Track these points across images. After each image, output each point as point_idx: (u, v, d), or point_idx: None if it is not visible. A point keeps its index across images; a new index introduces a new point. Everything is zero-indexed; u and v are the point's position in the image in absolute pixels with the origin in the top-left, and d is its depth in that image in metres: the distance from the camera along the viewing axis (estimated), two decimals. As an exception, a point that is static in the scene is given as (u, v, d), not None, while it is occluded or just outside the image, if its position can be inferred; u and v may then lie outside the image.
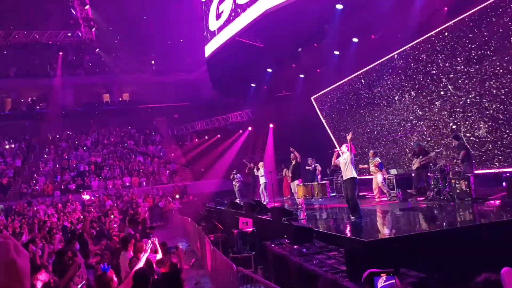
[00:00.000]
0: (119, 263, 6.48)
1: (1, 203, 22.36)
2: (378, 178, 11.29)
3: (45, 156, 29.03)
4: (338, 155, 9.00)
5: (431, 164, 11.13)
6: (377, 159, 11.74)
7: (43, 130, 30.87)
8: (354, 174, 8.59)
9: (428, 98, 13.97)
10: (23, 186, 25.01)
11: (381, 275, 1.96)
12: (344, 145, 8.96)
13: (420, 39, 13.86)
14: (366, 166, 12.96)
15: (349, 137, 8.72)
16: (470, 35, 11.86)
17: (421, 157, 11.33)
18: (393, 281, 1.93)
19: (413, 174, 11.67)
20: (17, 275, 0.85)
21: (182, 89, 33.21)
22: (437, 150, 12.40)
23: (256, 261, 9.13)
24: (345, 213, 9.69)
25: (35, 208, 20.69)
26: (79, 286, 5.48)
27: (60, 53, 30.67)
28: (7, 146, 29.83)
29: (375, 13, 14.14)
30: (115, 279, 4.35)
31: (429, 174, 10.98)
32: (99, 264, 5.74)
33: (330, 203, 12.82)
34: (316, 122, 21.13)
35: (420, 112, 14.46)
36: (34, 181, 25.87)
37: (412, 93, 14.70)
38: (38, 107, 32.90)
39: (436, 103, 13.65)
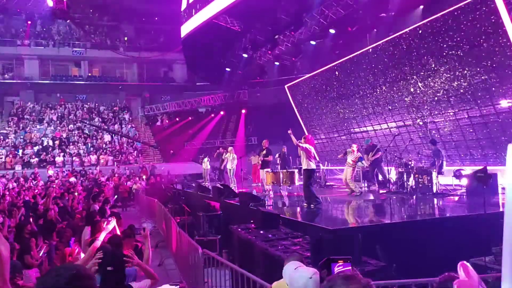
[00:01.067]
0: (81, 239, 6.39)
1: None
2: (348, 173, 11.23)
3: (7, 128, 27.96)
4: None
5: (396, 158, 11.48)
6: (359, 154, 11.61)
7: (6, 100, 29.66)
8: (311, 166, 9.00)
9: (399, 93, 14.29)
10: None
11: (338, 261, 2.04)
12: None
13: (395, 35, 14.09)
14: (342, 156, 12.74)
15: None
16: (443, 34, 12.15)
17: (371, 153, 11.93)
18: (349, 267, 2.01)
19: (368, 169, 12.38)
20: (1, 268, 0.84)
21: (155, 68, 32.60)
22: (405, 144, 12.78)
23: (221, 245, 9.20)
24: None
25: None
26: (40, 254, 5.39)
27: (29, 22, 29.39)
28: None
29: (354, 6, 14.27)
30: (76, 251, 4.29)
31: (395, 168, 11.34)
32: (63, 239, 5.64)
33: (298, 191, 13.00)
34: (288, 110, 21.25)
35: (390, 107, 14.79)
36: (-5, 154, 24.94)
37: (384, 88, 14.99)
38: (4, 76, 31.53)
39: (406, 99, 13.99)
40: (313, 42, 18.13)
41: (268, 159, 13.53)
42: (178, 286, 2.69)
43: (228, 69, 23.83)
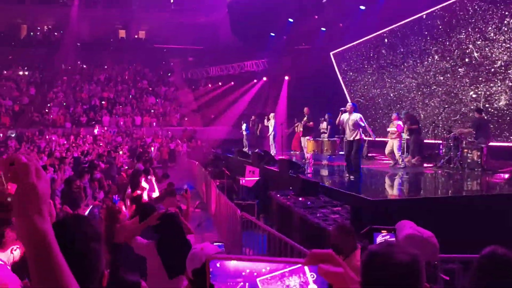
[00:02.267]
0: (125, 197, 6.63)
1: (12, 130, 22.74)
2: (394, 144, 10.80)
3: (58, 87, 29.10)
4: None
5: (444, 132, 10.98)
6: (398, 123, 11.16)
7: (57, 60, 30.69)
8: (363, 137, 9.07)
9: (452, 63, 13.53)
10: (35, 114, 25.29)
11: (382, 231, 1.94)
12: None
13: (452, 0, 13.20)
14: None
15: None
16: (507, 1, 11.26)
17: (408, 123, 11.29)
18: (393, 239, 1.91)
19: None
20: (36, 200, 0.83)
21: (200, 31, 32.46)
22: (453, 118, 12.19)
23: (259, 209, 9.30)
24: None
25: (47, 137, 21.04)
26: (87, 212, 5.64)
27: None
28: (21, 73, 29.86)
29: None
30: (123, 210, 4.43)
31: (442, 141, 10.86)
32: (109, 195, 5.86)
33: (339, 160, 12.83)
34: (332, 78, 20.72)
35: (441, 77, 14.07)
36: (46, 111, 26.11)
37: (436, 57, 14.23)
38: (53, 35, 32.53)
39: (460, 69, 13.23)
40: (362, 7, 17.32)
41: (309, 125, 13.35)
42: (222, 244, 2.71)
43: (272, 34, 23.38)
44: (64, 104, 27.18)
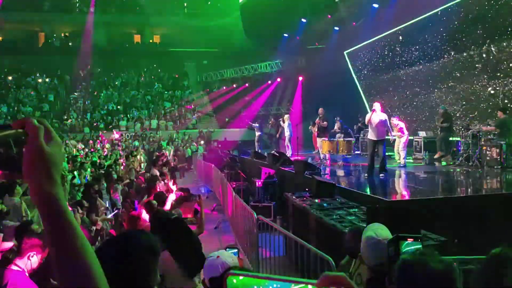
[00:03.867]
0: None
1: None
2: (401, 142, 11.12)
3: (76, 93, 29.62)
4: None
5: (462, 129, 10.81)
6: (401, 124, 11.40)
7: (74, 66, 31.25)
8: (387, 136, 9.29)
9: (469, 60, 13.31)
10: (55, 121, 25.80)
11: (408, 239, 1.92)
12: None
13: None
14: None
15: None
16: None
17: (441, 120, 11.19)
18: (420, 246, 1.89)
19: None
20: (43, 162, 0.83)
21: (214, 34, 32.66)
22: (471, 115, 11.99)
23: (275, 211, 9.31)
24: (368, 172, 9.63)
25: (66, 142, 21.43)
26: (110, 216, 5.74)
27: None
28: (40, 80, 30.49)
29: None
30: (142, 216, 4.50)
31: (460, 139, 10.71)
32: (127, 200, 5.94)
33: (354, 160, 12.75)
34: (347, 77, 20.60)
35: (458, 74, 13.85)
36: (65, 117, 26.62)
37: (452, 53, 14.02)
38: (71, 42, 33.14)
39: (477, 65, 13.00)
40: (375, 5, 17.18)
41: (323, 125, 13.31)
42: (237, 251, 2.74)
43: (286, 35, 23.38)
44: (82, 109, 27.65)
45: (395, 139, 11.06)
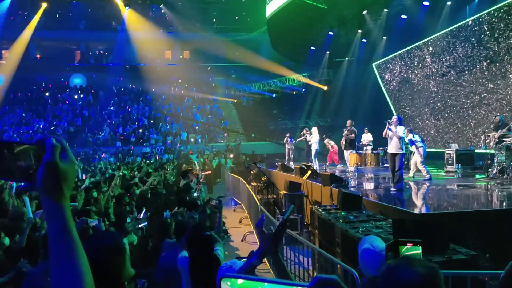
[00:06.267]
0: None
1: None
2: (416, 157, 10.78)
3: (110, 108, 30.55)
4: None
5: (496, 141, 10.39)
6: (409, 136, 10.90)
7: (108, 82, 32.31)
8: (403, 150, 8.91)
9: (502, 70, 12.95)
10: (89, 135, 26.67)
11: (407, 244, 1.93)
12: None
13: (499, 5, 12.71)
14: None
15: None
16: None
17: (500, 131, 10.39)
18: (419, 251, 1.89)
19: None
20: (55, 178, 0.92)
21: (241, 49, 33.11)
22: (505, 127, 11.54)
23: (302, 224, 9.25)
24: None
25: (100, 156, 22.09)
26: (140, 226, 5.86)
27: (127, 8, 31.44)
28: (76, 96, 31.69)
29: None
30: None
31: (493, 151, 10.33)
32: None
33: (382, 173, 12.54)
34: (375, 89, 20.39)
35: (491, 85, 13.48)
36: (99, 131, 27.47)
37: (484, 64, 13.68)
38: (104, 59, 34.35)
39: (510, 76, 12.63)
40: (404, 16, 17.03)
41: (351, 138, 13.19)
42: (246, 259, 2.78)
43: (313, 48, 23.43)
44: (115, 123, 28.47)
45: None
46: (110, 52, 34.67)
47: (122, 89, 33.14)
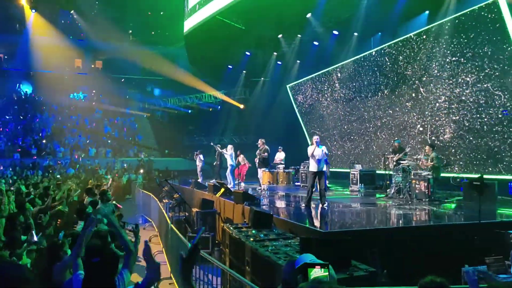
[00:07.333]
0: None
1: None
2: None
3: (7, 116, 27.91)
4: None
5: (394, 163, 11.32)
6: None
7: (7, 88, 29.63)
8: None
9: (400, 98, 14.21)
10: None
11: (316, 266, 1.98)
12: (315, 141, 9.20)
13: (399, 39, 14.01)
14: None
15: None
16: (448, 40, 12.07)
17: (397, 154, 11.21)
18: (327, 274, 1.95)
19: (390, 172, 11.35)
20: None
21: (158, 62, 32.47)
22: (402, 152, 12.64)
23: (214, 242, 9.14)
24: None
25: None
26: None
27: (33, 10, 29.27)
28: None
29: (359, 7, 14.23)
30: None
31: (391, 172, 11.21)
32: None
33: (294, 191, 12.94)
34: (288, 110, 21.16)
35: (391, 111, 14.71)
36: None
37: (385, 91, 14.91)
38: (5, 65, 31.52)
39: (407, 104, 13.90)
40: (316, 43, 18.05)
41: (264, 156, 13.43)
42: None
43: (230, 66, 23.77)
44: (13, 133, 26.01)
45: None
46: (11, 56, 31.84)
47: (23, 96, 30.47)
